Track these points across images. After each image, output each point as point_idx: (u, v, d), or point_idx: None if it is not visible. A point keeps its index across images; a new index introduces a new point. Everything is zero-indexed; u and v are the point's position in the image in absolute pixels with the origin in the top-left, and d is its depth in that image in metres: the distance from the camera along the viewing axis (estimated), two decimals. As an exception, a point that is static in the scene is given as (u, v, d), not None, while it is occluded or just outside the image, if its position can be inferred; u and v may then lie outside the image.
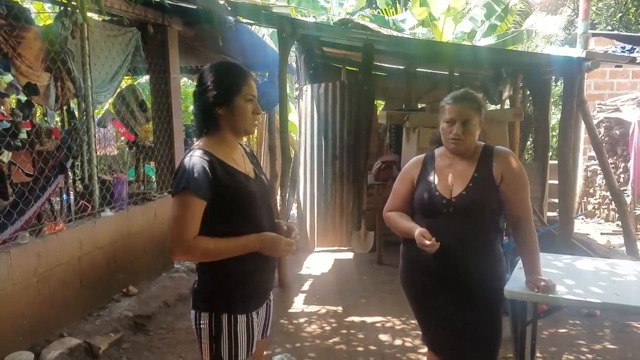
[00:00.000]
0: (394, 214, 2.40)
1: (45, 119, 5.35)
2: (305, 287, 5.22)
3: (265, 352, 3.57)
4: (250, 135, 11.86)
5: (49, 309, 3.73)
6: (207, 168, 1.78)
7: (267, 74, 7.45)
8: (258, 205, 1.91)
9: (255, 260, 1.88)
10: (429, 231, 2.16)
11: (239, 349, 1.87)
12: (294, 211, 7.32)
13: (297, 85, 7.61)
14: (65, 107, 5.06)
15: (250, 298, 1.93)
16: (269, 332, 2.14)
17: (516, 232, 2.28)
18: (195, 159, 1.81)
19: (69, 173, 5.25)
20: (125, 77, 5.97)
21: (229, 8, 5.01)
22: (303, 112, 6.78)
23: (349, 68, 8.39)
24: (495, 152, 2.25)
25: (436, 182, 2.27)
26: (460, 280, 2.21)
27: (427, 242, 2.10)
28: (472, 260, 2.18)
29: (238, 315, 1.87)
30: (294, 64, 7.68)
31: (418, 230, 2.15)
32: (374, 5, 12.47)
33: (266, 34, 9.85)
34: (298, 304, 4.71)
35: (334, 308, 4.57)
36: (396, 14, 11.46)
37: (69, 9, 4.09)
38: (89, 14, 4.51)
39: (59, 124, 5.60)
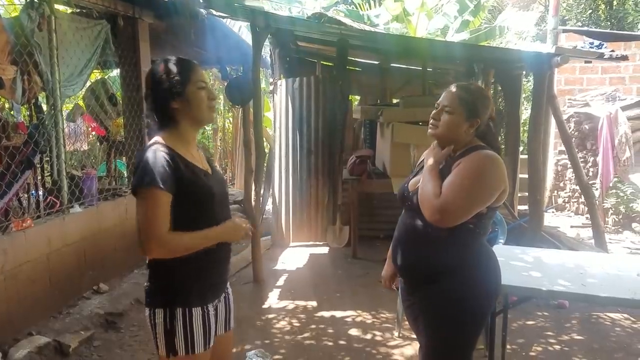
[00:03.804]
0: None
1: (12, 113, 5.22)
2: (280, 282, 5.21)
3: (239, 348, 3.57)
4: (226, 130, 11.81)
5: (17, 307, 3.66)
6: (171, 162, 1.78)
7: (241, 68, 7.39)
8: (216, 201, 1.91)
9: (210, 252, 1.87)
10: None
11: (195, 342, 1.86)
12: (269, 206, 7.30)
13: (271, 80, 7.57)
14: (32, 101, 4.94)
15: (206, 291, 1.92)
16: (233, 324, 2.14)
17: None
18: (158, 153, 1.78)
19: (37, 168, 5.14)
20: (95, 71, 5.87)
21: (201, 0, 4.94)
22: (278, 106, 6.75)
23: (324, 63, 8.38)
24: (471, 151, 1.99)
25: (414, 173, 2.21)
26: (407, 271, 2.14)
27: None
28: (418, 255, 2.06)
29: (193, 309, 1.86)
30: (268, 58, 7.64)
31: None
32: (349, 1, 12.46)
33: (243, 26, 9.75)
34: (273, 299, 4.70)
35: (308, 303, 4.57)
36: (370, 9, 11.47)
37: (35, 0, 4.00)
38: (57, 6, 4.42)
39: (27, 118, 5.48)
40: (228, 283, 2.11)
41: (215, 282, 1.96)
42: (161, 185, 1.73)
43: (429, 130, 2.10)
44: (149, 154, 1.79)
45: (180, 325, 1.83)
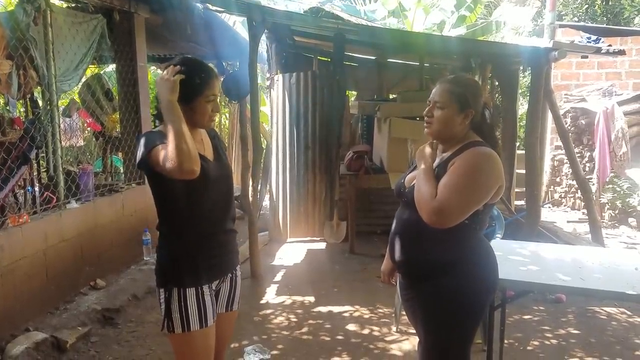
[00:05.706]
0: None
1: (8, 108, 5.18)
2: (278, 277, 5.20)
3: (237, 344, 3.57)
4: (222, 126, 11.77)
5: (14, 303, 3.64)
6: (162, 137, 1.87)
7: (237, 63, 7.37)
8: (210, 186, 2.00)
9: (198, 237, 2.03)
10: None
11: (190, 319, 1.98)
12: (266, 202, 7.29)
13: (268, 75, 7.55)
14: (28, 96, 4.91)
15: (200, 272, 2.03)
16: (237, 307, 2.26)
17: None
18: (153, 131, 1.96)
19: (33, 164, 5.12)
20: (90, 66, 5.84)
21: (198, -5, 4.93)
22: (275, 102, 6.74)
23: (321, 58, 8.36)
24: (466, 149, 1.96)
25: (411, 168, 2.21)
26: (404, 266, 2.13)
27: None
28: (415, 251, 2.07)
29: (187, 289, 1.99)
30: (265, 53, 7.62)
31: None
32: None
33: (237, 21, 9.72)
34: (270, 294, 4.70)
35: (306, 298, 4.57)
36: (365, 5, 11.44)
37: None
38: (52, 0, 4.39)
39: (23, 113, 5.45)
40: (238, 267, 2.26)
41: (210, 264, 2.07)
42: (157, 144, 1.84)
43: (425, 130, 2.09)
44: (146, 133, 1.95)
45: (176, 304, 1.97)
